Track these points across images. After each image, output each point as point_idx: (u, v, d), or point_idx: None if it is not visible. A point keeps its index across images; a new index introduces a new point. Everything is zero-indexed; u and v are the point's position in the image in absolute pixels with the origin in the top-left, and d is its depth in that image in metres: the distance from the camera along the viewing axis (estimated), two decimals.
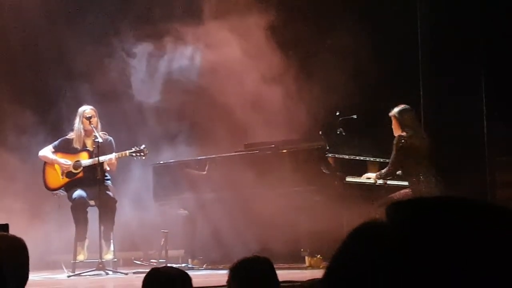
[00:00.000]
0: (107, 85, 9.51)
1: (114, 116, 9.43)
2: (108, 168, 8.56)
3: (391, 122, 7.88)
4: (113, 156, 8.44)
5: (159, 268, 3.79)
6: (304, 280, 4.86)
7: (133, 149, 8.51)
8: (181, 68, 9.57)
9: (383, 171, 7.97)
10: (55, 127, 9.52)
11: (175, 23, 9.32)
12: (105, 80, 9.51)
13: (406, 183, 7.89)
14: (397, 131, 7.81)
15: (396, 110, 7.82)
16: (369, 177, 8.07)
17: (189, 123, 9.77)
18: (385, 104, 8.21)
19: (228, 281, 3.45)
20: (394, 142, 7.76)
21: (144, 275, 3.46)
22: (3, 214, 8.01)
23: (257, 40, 9.17)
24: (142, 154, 8.51)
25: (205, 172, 8.63)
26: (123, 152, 8.50)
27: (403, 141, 7.70)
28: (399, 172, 7.93)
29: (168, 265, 6.94)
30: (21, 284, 3.06)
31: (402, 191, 7.86)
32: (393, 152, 7.76)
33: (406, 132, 7.75)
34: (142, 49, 9.50)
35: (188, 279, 3.42)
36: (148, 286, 3.39)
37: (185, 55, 9.52)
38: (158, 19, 9.59)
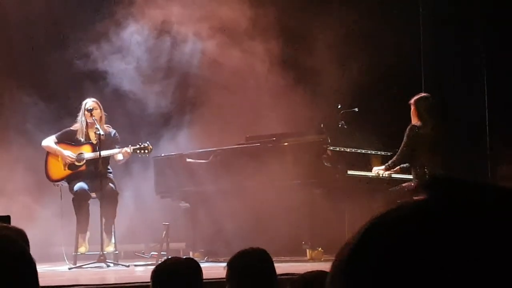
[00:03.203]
0: (106, 77, 9.48)
1: (115, 109, 9.40)
2: (120, 158, 8.47)
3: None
4: (128, 148, 8.36)
5: (170, 258, 3.79)
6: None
7: (137, 146, 8.46)
8: (181, 58, 9.51)
9: (390, 161, 7.90)
10: (59, 117, 9.47)
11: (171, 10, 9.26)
12: (104, 72, 9.46)
13: (410, 176, 7.84)
14: (414, 119, 7.74)
15: (414, 98, 7.76)
16: (378, 171, 7.98)
17: (191, 114, 9.74)
18: (386, 97, 8.20)
19: (226, 275, 3.45)
20: (407, 131, 7.69)
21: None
22: (4, 206, 8.02)
23: (260, 30, 9.16)
24: (146, 151, 8.47)
25: (206, 165, 8.62)
26: (127, 150, 8.40)
27: (415, 131, 7.65)
28: (405, 165, 7.87)
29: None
30: None
31: (405, 184, 7.83)
32: (404, 141, 7.71)
33: (420, 122, 7.68)
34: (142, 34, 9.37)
35: (198, 270, 3.40)
36: (157, 277, 3.40)
37: (185, 45, 9.46)
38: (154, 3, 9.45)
